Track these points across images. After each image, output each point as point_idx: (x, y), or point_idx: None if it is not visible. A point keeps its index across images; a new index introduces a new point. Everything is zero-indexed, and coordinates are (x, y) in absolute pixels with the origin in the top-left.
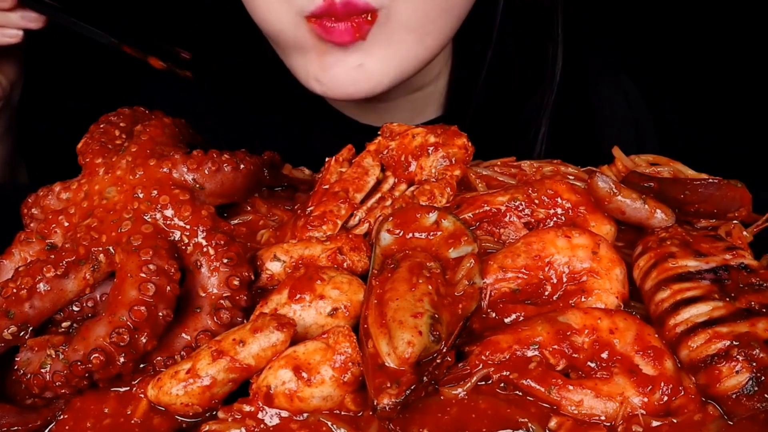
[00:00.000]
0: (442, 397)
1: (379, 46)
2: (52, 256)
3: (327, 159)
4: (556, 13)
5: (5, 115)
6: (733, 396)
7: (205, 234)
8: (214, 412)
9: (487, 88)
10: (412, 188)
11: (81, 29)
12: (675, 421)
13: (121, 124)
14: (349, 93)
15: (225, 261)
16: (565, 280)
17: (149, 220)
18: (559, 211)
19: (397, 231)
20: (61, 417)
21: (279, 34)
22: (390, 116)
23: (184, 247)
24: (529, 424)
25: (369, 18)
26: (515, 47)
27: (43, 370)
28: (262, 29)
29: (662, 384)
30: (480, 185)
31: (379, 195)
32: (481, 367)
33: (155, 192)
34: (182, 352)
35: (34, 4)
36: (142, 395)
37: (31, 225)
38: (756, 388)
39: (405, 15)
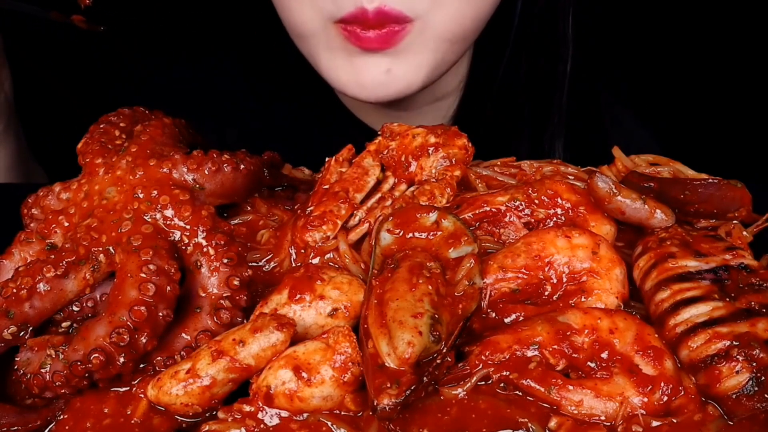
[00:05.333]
0: (442, 397)
1: (410, 53)
2: (52, 256)
3: (327, 159)
4: (567, 20)
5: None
6: (733, 396)
7: (205, 234)
8: (214, 412)
9: (502, 96)
10: (412, 188)
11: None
12: (675, 421)
13: (121, 124)
14: (377, 95)
15: (225, 261)
16: (565, 280)
17: (149, 220)
18: (559, 211)
19: (397, 231)
20: (61, 417)
21: (308, 36)
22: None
23: (184, 247)
24: (529, 424)
25: (401, 28)
26: (529, 54)
27: (43, 370)
28: (290, 31)
29: (662, 384)
30: (480, 185)
31: (379, 195)
32: (481, 367)
33: (155, 192)
34: (182, 352)
35: None
36: (142, 395)
37: (31, 225)
38: (756, 388)
39: (441, 26)
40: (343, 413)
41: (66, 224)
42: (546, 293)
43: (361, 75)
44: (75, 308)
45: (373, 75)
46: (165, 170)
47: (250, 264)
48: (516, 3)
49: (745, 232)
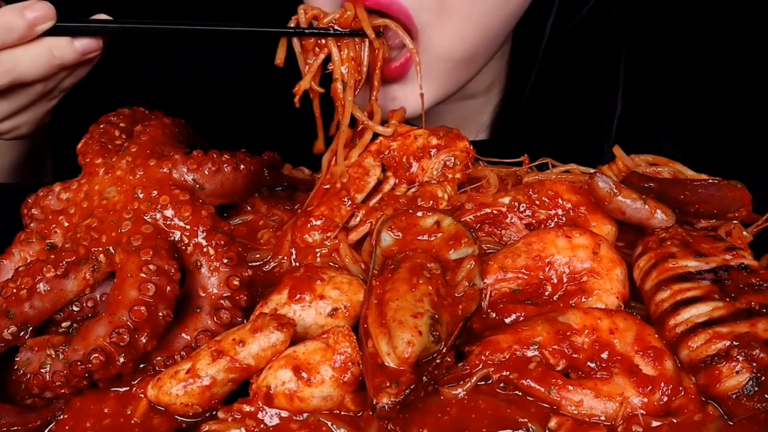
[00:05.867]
0: (442, 397)
1: (415, 82)
2: (52, 256)
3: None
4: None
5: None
6: (733, 396)
7: (205, 234)
8: (214, 412)
9: (539, 100)
10: (413, 189)
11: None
12: (675, 421)
13: (121, 125)
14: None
15: (225, 261)
16: (565, 280)
17: (149, 220)
18: (560, 211)
19: (398, 232)
20: (61, 417)
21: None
22: (438, 122)
23: (184, 247)
24: (529, 424)
25: (404, 58)
26: (570, 59)
27: (43, 370)
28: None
29: (662, 384)
30: (486, 185)
31: (380, 195)
32: (481, 367)
33: (155, 192)
34: (182, 352)
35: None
36: (142, 395)
37: (31, 225)
38: (756, 389)
39: (444, 45)
40: (343, 413)
41: (66, 224)
42: (546, 293)
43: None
44: (75, 308)
45: (381, 101)
46: (165, 170)
47: (250, 264)
48: (546, 23)
49: (745, 232)
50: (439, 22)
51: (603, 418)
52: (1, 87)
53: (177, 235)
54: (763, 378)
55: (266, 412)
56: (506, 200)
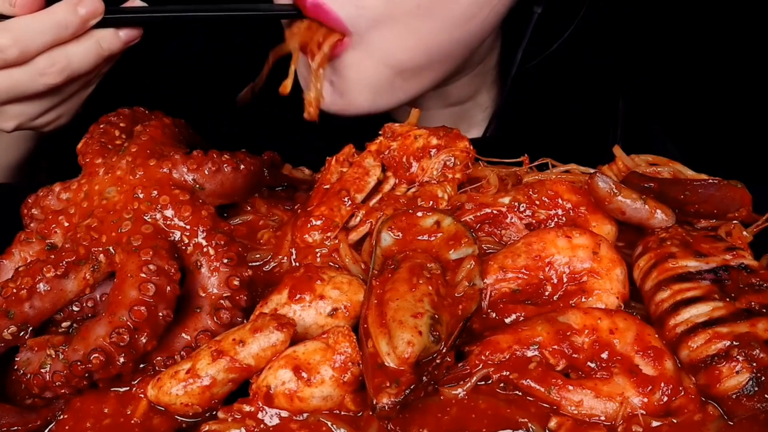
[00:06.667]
0: (442, 397)
1: (351, 71)
2: (52, 256)
3: (327, 159)
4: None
5: None
6: (733, 396)
7: (205, 234)
8: (214, 412)
9: (534, 103)
10: (413, 189)
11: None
12: (675, 421)
13: (121, 124)
14: (325, 106)
15: (225, 261)
16: (565, 280)
17: (149, 220)
18: (560, 211)
19: (398, 232)
20: (61, 417)
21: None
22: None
23: (184, 248)
24: (529, 424)
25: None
26: (559, 67)
27: (43, 370)
28: None
29: (662, 384)
30: (486, 185)
31: (380, 195)
32: (481, 367)
33: (155, 192)
34: (182, 352)
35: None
36: (142, 395)
37: (31, 225)
38: (756, 389)
39: (380, 50)
40: (343, 413)
41: (66, 224)
42: (546, 293)
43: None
44: (75, 308)
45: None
46: (165, 170)
47: (250, 264)
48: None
49: (745, 232)
50: (376, 28)
51: (603, 418)
52: (56, 84)
53: (177, 235)
54: (763, 378)
55: (266, 412)
56: (506, 200)
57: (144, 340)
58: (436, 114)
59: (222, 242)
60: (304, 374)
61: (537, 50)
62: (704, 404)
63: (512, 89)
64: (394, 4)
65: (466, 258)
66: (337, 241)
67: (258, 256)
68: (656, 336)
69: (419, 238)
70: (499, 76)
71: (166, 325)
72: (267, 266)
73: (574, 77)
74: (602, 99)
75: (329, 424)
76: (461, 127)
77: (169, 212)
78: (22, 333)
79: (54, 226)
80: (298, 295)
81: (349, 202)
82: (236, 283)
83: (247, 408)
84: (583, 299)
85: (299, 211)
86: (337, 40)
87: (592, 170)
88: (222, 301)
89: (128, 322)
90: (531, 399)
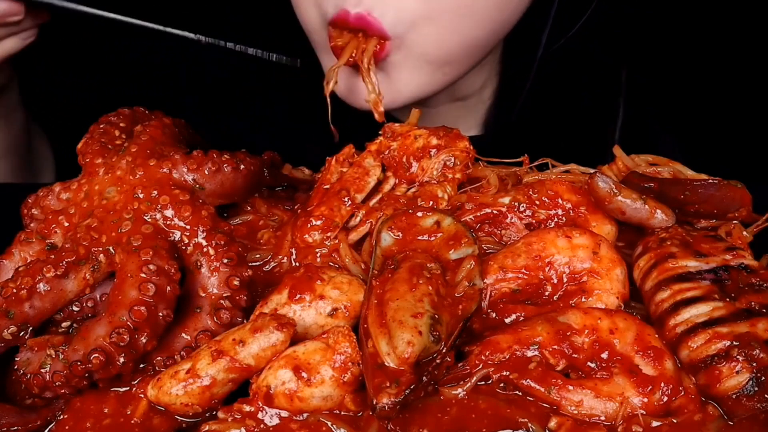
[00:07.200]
0: (442, 397)
1: (393, 71)
2: (52, 256)
3: (327, 159)
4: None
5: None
6: (733, 396)
7: (205, 234)
8: (214, 412)
9: (533, 100)
10: (413, 189)
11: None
12: (675, 421)
13: (121, 124)
14: (361, 104)
15: (225, 261)
16: (565, 280)
17: (149, 220)
18: (560, 211)
19: (398, 232)
20: (61, 417)
21: (310, 33)
22: (432, 123)
23: (184, 247)
24: (529, 424)
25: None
26: (562, 60)
27: (43, 370)
28: (302, 26)
29: (662, 384)
30: (486, 185)
31: (380, 195)
32: (481, 367)
33: (155, 192)
34: (182, 352)
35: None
36: (142, 395)
37: (31, 225)
38: (756, 389)
39: (420, 48)
40: (343, 413)
41: (66, 224)
42: (546, 293)
43: (350, 80)
44: (75, 308)
45: (362, 84)
46: (165, 170)
47: (250, 264)
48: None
49: (745, 232)
50: (415, 30)
51: (603, 418)
52: None
53: (177, 235)
54: (763, 378)
55: (266, 412)
56: (506, 200)
57: (144, 340)
58: (443, 109)
59: (222, 242)
60: (304, 374)
61: (548, 43)
62: (704, 404)
63: (514, 82)
64: (433, 5)
65: (466, 258)
66: (337, 241)
67: (258, 256)
68: (656, 336)
69: (419, 238)
70: (499, 70)
71: (166, 325)
72: (267, 266)
73: (574, 76)
74: (603, 98)
75: (329, 424)
76: (466, 122)
77: (169, 212)
78: (22, 333)
79: (54, 226)
80: (298, 295)
81: (349, 202)
82: (236, 283)
83: (247, 408)
84: (583, 299)
85: (299, 211)
86: (378, 44)
87: (592, 170)
88: (222, 301)
89: (128, 322)
90: (531, 399)
